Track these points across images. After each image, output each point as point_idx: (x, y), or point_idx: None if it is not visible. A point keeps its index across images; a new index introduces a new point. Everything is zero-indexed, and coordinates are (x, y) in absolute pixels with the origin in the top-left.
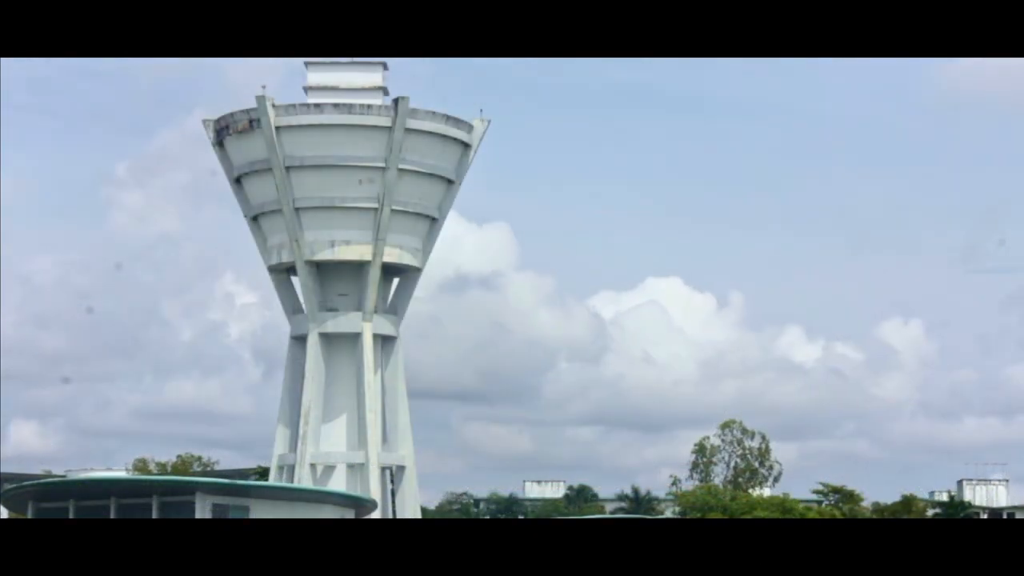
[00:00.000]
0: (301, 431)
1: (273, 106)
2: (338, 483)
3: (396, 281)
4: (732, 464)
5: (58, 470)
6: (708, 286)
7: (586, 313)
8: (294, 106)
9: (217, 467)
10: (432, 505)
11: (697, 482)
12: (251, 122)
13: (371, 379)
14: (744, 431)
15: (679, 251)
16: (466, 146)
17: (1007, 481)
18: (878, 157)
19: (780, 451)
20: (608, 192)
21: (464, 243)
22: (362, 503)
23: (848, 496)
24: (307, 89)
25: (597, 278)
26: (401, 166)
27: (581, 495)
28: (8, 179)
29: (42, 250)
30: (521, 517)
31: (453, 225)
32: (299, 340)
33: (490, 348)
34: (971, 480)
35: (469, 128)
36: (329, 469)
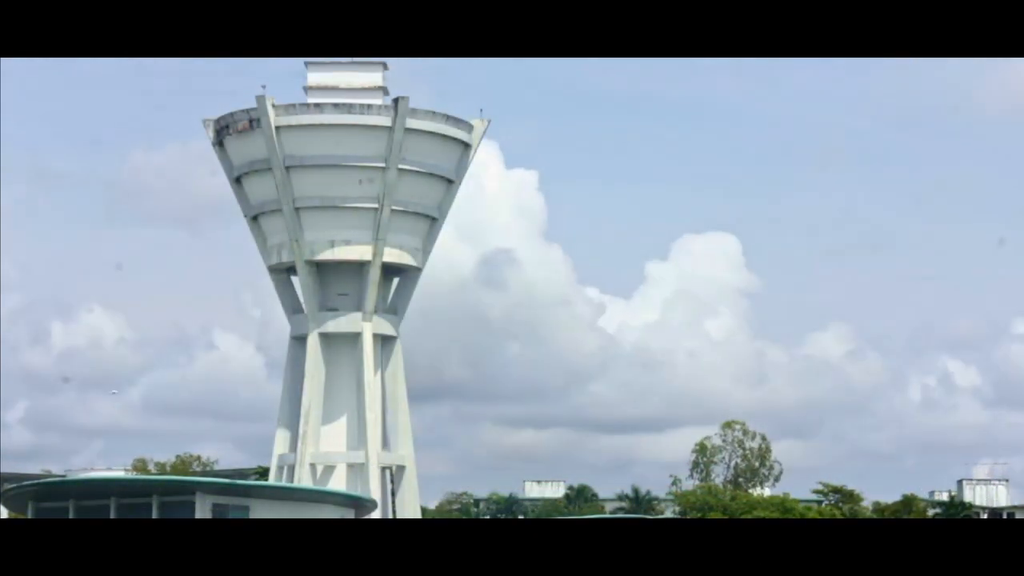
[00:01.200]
0: (301, 431)
1: (273, 106)
2: (338, 483)
3: (396, 281)
4: (732, 464)
5: (58, 470)
6: (710, 286)
7: (588, 313)
8: (294, 106)
9: (217, 467)
10: (432, 505)
11: (697, 482)
12: (251, 122)
13: (371, 379)
14: (745, 431)
15: (681, 251)
16: (466, 146)
17: (1007, 481)
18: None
19: (781, 450)
20: (609, 192)
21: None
22: (362, 503)
23: (848, 496)
24: (307, 89)
25: (599, 278)
26: (401, 166)
27: (581, 495)
28: (8, 177)
29: (42, 249)
30: (521, 517)
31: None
32: (299, 340)
33: (491, 346)
34: (971, 480)
35: (469, 128)
36: (329, 469)
